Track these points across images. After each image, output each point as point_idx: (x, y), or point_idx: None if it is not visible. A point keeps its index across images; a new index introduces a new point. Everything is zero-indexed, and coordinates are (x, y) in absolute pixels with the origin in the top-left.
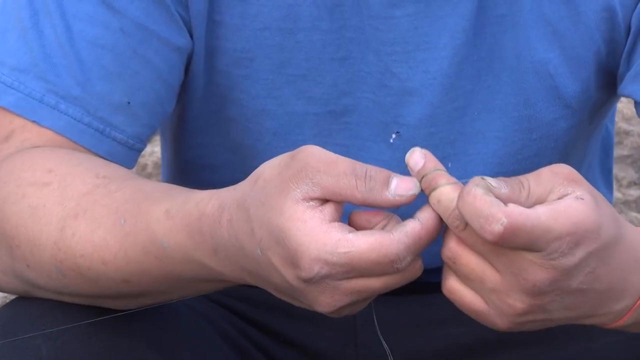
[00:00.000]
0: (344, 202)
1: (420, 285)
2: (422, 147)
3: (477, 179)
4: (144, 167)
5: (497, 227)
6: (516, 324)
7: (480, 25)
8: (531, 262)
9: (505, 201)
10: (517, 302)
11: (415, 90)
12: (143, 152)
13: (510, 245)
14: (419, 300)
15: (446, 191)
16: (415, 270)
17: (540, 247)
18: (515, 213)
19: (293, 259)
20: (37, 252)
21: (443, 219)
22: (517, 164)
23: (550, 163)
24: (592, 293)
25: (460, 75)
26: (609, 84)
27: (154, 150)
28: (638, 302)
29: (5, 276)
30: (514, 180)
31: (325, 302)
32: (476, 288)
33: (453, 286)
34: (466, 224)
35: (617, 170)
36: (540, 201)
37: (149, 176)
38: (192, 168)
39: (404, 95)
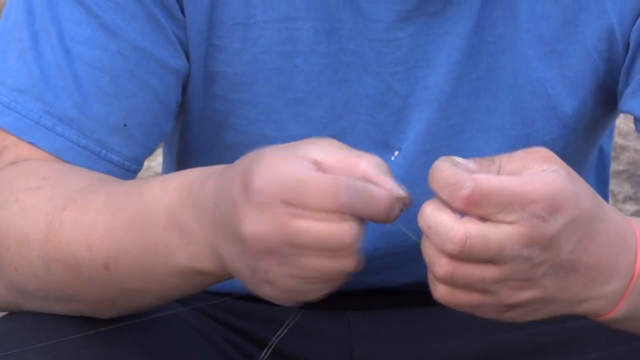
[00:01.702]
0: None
1: (418, 296)
2: (419, 163)
3: (443, 157)
4: None
5: (464, 191)
6: (512, 308)
7: (478, 45)
8: (520, 235)
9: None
10: (515, 284)
11: (416, 106)
12: None
13: (481, 210)
14: (415, 313)
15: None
16: (353, 262)
17: (516, 211)
18: (482, 177)
19: (246, 180)
20: (26, 250)
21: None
22: None
23: None
24: (582, 268)
25: (456, 93)
26: (607, 100)
27: (150, 165)
28: (630, 286)
29: None
30: (484, 158)
31: (272, 276)
32: (475, 288)
33: (444, 292)
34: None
35: (613, 185)
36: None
37: None
38: None
39: (404, 111)
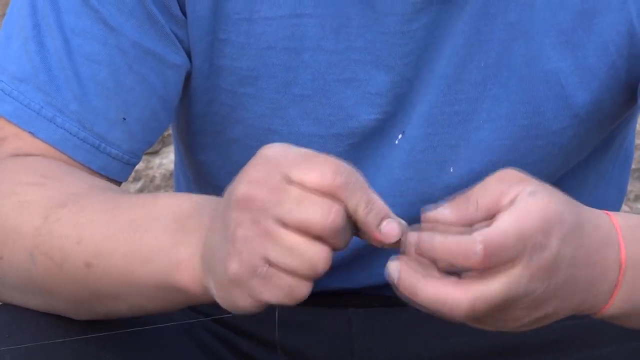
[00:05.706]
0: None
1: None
2: (420, 147)
3: (428, 215)
4: (152, 179)
5: (477, 257)
6: (517, 328)
7: (488, 32)
8: (521, 277)
9: (455, 222)
10: (520, 313)
11: (421, 89)
12: (151, 165)
13: (499, 260)
14: (416, 309)
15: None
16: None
17: (519, 251)
18: (486, 233)
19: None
20: (16, 241)
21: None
22: (521, 167)
23: (554, 167)
24: (580, 278)
25: (461, 79)
26: (630, 99)
27: (162, 163)
28: (619, 279)
29: None
30: (458, 199)
31: (242, 242)
32: None
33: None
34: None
35: None
36: (491, 209)
37: (157, 188)
38: (201, 183)
39: (411, 94)
